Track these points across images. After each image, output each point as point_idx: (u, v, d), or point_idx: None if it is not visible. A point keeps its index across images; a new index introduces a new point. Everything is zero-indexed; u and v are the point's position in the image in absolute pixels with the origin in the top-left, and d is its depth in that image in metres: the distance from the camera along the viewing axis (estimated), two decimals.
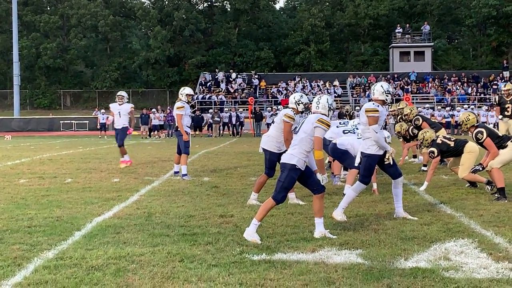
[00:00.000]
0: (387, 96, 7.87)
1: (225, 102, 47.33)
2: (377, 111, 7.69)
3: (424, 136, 11.43)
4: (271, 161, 9.23)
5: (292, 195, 9.37)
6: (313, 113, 7.22)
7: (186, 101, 13.24)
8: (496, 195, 9.53)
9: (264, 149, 9.32)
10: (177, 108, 13.05)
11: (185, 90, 13.33)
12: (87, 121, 49.18)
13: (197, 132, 38.22)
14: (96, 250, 6.16)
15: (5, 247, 6.32)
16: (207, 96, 48.98)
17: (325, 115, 7.12)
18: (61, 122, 50.37)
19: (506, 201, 9.18)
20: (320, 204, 6.93)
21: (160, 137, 38.75)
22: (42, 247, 6.28)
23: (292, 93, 46.05)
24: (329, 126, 7.04)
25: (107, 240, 6.61)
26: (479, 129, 9.78)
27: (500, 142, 9.75)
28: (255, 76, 53.37)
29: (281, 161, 7.02)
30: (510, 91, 15.60)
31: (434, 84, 50.68)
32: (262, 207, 6.81)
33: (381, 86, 7.91)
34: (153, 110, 40.16)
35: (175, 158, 13.38)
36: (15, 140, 35.25)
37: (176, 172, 13.34)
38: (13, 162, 17.27)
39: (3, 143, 32.15)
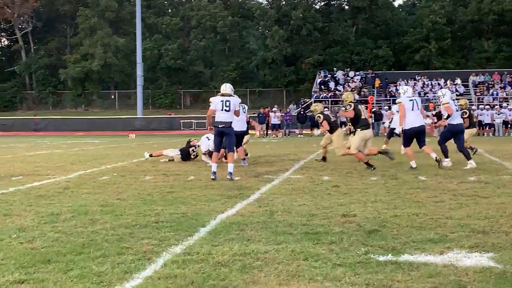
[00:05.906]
0: None
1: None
2: None
3: None
4: None
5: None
6: None
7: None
8: None
9: None
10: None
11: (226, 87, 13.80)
12: (207, 121, 50.19)
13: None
14: (222, 246, 6.23)
15: (135, 241, 6.52)
16: (329, 95, 48.83)
17: None
18: (181, 121, 51.79)
19: None
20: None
21: (277, 136, 39.00)
22: (170, 242, 6.43)
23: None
24: None
25: (232, 237, 6.68)
26: (318, 114, 15.44)
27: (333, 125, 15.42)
28: (373, 75, 52.65)
29: None
30: (462, 106, 15.71)
31: None
32: None
33: None
34: (274, 109, 40.55)
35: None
36: (139, 138, 36.56)
37: None
38: (138, 159, 17.93)
39: (127, 141, 33.50)
